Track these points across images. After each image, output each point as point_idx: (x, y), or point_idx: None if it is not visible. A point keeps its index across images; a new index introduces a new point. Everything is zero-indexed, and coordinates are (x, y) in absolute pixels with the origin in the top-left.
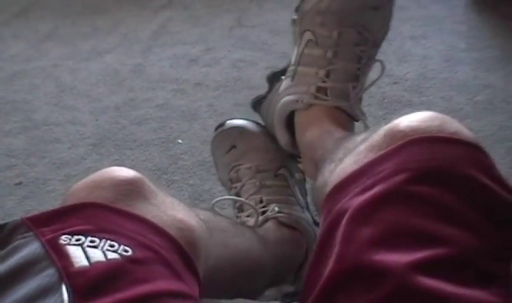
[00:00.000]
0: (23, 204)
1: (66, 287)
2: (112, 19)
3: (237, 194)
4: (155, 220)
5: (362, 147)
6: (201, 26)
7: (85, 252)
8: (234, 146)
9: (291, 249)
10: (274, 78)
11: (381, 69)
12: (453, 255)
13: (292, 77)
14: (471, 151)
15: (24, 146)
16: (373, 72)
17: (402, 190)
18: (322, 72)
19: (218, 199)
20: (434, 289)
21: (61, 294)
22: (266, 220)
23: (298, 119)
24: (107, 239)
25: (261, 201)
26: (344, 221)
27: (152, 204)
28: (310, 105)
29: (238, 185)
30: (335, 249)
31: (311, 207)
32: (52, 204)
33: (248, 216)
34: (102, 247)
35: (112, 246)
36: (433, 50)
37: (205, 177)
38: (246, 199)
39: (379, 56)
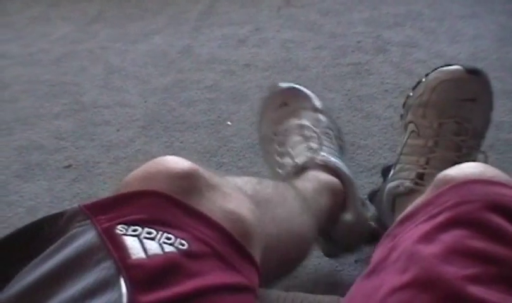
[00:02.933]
0: (72, 187)
1: (124, 280)
2: (159, 1)
3: (281, 143)
4: (208, 213)
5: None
6: (250, 6)
7: (142, 244)
8: (285, 104)
9: (330, 198)
10: (387, 171)
11: (484, 160)
12: (503, 273)
13: (395, 166)
14: None
15: (73, 129)
16: None
17: (465, 218)
18: (422, 160)
19: None
20: (482, 297)
21: (119, 288)
22: (308, 168)
23: (398, 205)
24: (163, 231)
25: (310, 148)
26: (408, 242)
27: (205, 197)
28: (411, 191)
29: (283, 136)
30: (398, 264)
31: None
32: (101, 187)
33: (288, 172)
34: (159, 240)
35: (168, 239)
36: (484, 30)
37: (254, 159)
38: (293, 147)
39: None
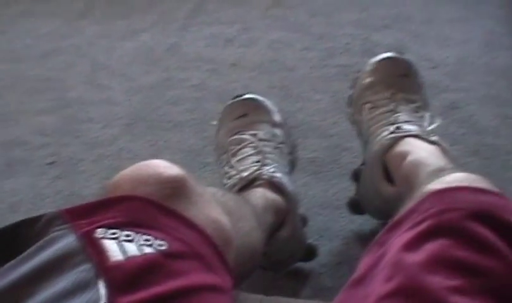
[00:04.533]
0: (55, 184)
1: (103, 282)
2: None
3: (233, 155)
4: (192, 218)
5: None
6: (238, 5)
7: (121, 246)
8: (245, 115)
9: (273, 216)
10: (358, 173)
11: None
12: (486, 284)
13: (366, 144)
14: (506, 200)
15: (57, 125)
16: None
17: (449, 226)
18: (392, 119)
19: None
20: None
21: (98, 289)
22: (255, 181)
23: (390, 160)
24: (142, 233)
25: (258, 161)
26: (393, 250)
27: (191, 203)
28: (395, 141)
29: (237, 147)
30: (384, 272)
31: None
32: (84, 184)
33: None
34: (138, 241)
35: (147, 240)
36: (472, 35)
37: None
38: (243, 159)
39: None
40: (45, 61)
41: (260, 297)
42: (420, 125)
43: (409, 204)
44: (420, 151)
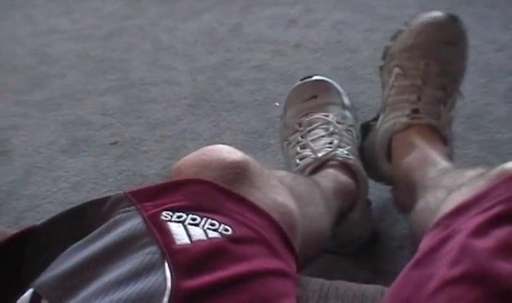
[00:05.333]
0: (118, 164)
1: (169, 265)
2: None
3: (304, 134)
4: (257, 203)
5: (481, 181)
6: None
7: (187, 230)
8: (315, 96)
9: (344, 200)
10: (367, 128)
11: (460, 98)
12: None
13: (383, 111)
14: None
15: (120, 105)
16: None
17: None
18: (413, 97)
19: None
20: None
21: (164, 272)
22: (328, 162)
23: (396, 143)
24: (207, 218)
25: (331, 143)
26: (461, 235)
27: (255, 187)
28: (407, 126)
29: (309, 128)
30: (449, 256)
31: None
32: (146, 164)
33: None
34: (203, 226)
35: (212, 225)
36: None
37: None
38: (316, 140)
39: None
40: (109, 41)
41: (321, 280)
42: (438, 113)
43: (477, 189)
44: (426, 149)
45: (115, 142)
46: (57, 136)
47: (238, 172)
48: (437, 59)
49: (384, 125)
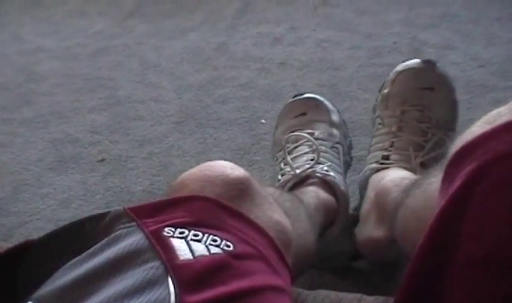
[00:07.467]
0: (105, 181)
1: (172, 280)
2: None
3: (289, 153)
4: (256, 220)
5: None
6: (286, 4)
7: (189, 246)
8: (304, 114)
9: (324, 216)
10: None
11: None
12: None
13: (366, 162)
14: None
15: (107, 123)
16: None
17: None
18: (387, 144)
19: None
20: None
21: (167, 286)
22: (308, 179)
23: (370, 184)
24: (209, 234)
25: (312, 159)
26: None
27: (256, 205)
28: (376, 170)
29: (293, 145)
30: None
31: None
32: (134, 181)
33: (287, 180)
34: (205, 242)
35: (214, 241)
36: None
37: None
38: (298, 157)
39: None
40: (96, 60)
41: (299, 290)
42: (408, 157)
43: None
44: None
45: (103, 160)
46: (45, 154)
47: (241, 188)
48: (415, 106)
49: (362, 174)
